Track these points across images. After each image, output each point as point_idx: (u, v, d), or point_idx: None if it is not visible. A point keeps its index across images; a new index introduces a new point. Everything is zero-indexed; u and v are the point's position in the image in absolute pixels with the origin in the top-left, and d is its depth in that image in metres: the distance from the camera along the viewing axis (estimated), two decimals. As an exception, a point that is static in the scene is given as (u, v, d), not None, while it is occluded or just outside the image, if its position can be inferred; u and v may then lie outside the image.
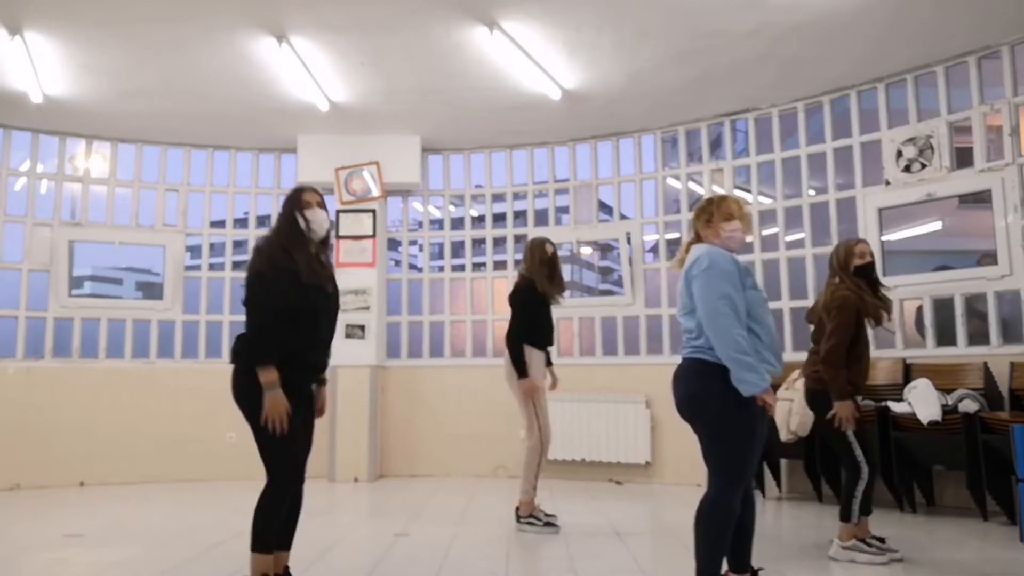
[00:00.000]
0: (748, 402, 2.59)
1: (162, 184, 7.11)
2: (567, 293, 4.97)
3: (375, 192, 6.98)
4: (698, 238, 2.89)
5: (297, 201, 3.01)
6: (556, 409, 6.54)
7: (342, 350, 6.82)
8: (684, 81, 5.80)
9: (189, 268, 7.22)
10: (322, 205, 3.06)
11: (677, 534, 4.16)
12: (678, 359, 2.84)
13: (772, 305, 5.83)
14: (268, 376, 2.77)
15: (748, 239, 2.82)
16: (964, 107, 5.36)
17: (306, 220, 2.98)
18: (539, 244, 4.68)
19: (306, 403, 2.98)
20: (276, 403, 2.77)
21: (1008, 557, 3.77)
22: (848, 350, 3.67)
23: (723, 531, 2.63)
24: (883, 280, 4.30)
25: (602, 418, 6.41)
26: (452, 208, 7.66)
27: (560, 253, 4.85)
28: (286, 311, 2.84)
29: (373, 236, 6.98)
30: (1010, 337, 5.09)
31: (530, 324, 4.53)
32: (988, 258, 5.41)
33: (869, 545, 3.64)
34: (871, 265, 3.82)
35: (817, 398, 3.79)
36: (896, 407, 4.83)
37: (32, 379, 6.39)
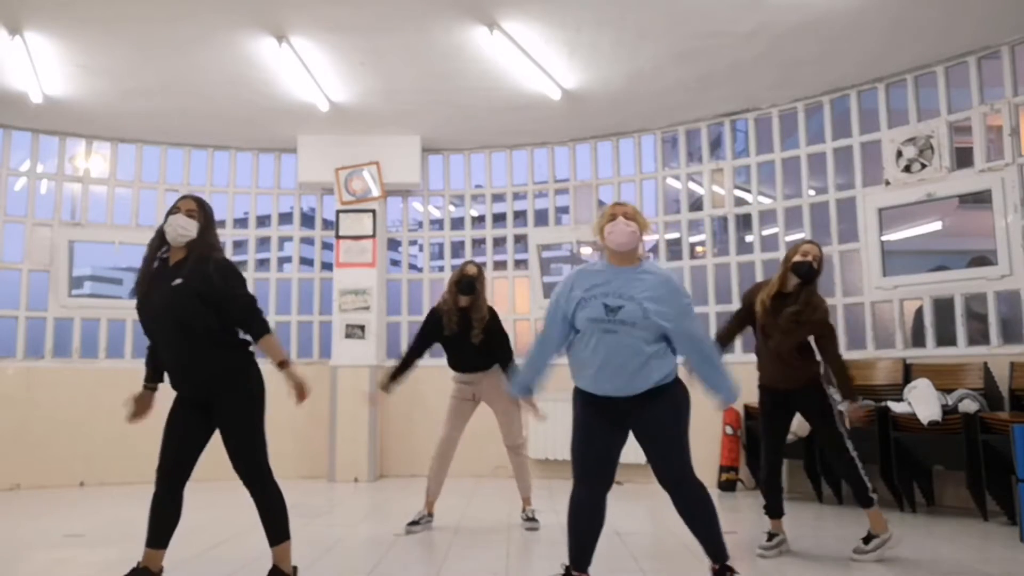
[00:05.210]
0: (577, 400, 2.89)
1: (162, 184, 7.11)
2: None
3: (375, 192, 6.98)
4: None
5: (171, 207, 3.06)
6: (556, 409, 6.52)
7: (342, 350, 6.84)
8: (684, 81, 5.79)
9: (189, 268, 7.21)
10: (192, 214, 2.98)
11: (677, 534, 4.15)
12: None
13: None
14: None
15: (628, 226, 2.82)
16: (964, 107, 5.36)
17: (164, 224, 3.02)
18: (459, 268, 4.59)
19: (199, 412, 2.96)
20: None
21: (1008, 557, 3.77)
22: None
23: (570, 523, 2.86)
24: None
25: (602, 418, 6.39)
26: (452, 208, 7.67)
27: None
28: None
29: (373, 236, 6.98)
30: (1010, 337, 5.09)
31: (445, 350, 4.61)
32: (979, 260, 5.41)
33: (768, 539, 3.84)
34: (807, 264, 3.76)
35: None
36: (896, 407, 4.83)
37: (32, 379, 6.39)
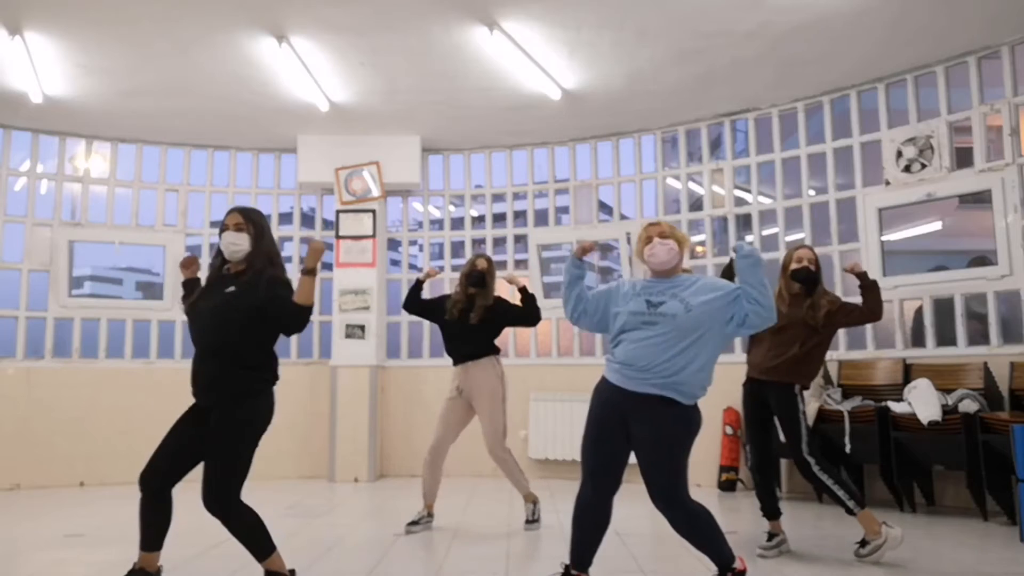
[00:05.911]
0: (595, 396, 2.97)
1: (162, 184, 7.11)
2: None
3: (375, 192, 6.98)
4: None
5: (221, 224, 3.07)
6: (555, 409, 6.58)
7: (342, 350, 6.84)
8: (684, 81, 5.79)
9: (189, 268, 7.21)
10: (240, 228, 2.98)
11: (678, 535, 4.15)
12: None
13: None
14: None
15: (665, 244, 2.91)
16: (964, 107, 5.36)
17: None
18: (470, 260, 4.71)
19: (200, 422, 2.95)
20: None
21: (1008, 557, 3.77)
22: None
23: (574, 521, 2.92)
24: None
25: (602, 418, 6.38)
26: (452, 208, 7.66)
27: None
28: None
29: (373, 236, 6.99)
30: (1010, 337, 5.09)
31: (443, 335, 4.72)
32: (979, 260, 5.41)
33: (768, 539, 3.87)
34: (804, 270, 3.86)
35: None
36: (896, 407, 4.83)
37: (32, 379, 6.39)
